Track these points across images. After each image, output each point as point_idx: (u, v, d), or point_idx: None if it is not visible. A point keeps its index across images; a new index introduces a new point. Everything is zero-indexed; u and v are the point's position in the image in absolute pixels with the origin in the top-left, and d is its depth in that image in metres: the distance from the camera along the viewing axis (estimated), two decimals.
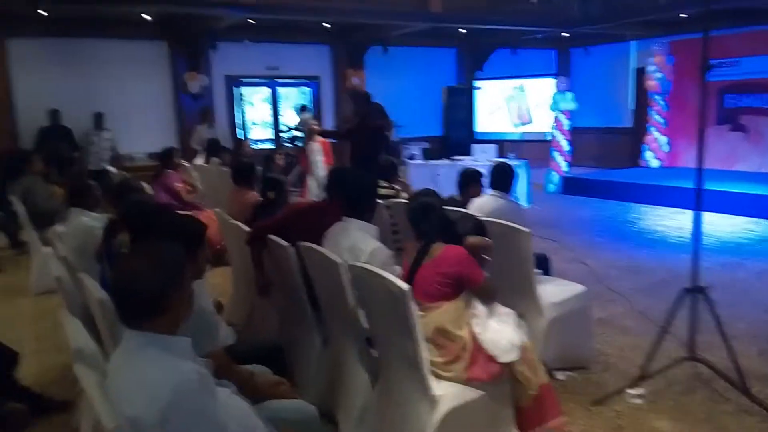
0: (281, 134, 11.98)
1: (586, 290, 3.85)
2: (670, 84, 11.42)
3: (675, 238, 7.23)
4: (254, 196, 4.85)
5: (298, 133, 10.86)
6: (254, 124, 12.47)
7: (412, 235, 2.98)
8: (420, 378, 2.55)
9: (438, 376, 2.62)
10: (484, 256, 2.94)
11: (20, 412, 3.20)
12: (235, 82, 11.50)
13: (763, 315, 4.62)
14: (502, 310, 2.86)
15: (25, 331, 4.56)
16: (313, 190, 9.78)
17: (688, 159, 11.11)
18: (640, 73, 12.23)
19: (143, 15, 9.35)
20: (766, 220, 7.88)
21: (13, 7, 8.41)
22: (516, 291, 3.47)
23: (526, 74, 12.31)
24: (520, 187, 9.31)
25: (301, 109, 11.28)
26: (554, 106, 10.68)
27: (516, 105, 12.31)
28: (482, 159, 9.25)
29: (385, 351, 2.84)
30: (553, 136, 10.89)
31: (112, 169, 7.75)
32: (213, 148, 8.54)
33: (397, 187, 5.16)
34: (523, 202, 9.32)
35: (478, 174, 4.60)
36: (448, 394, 2.55)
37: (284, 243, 3.24)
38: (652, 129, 11.70)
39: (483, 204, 4.27)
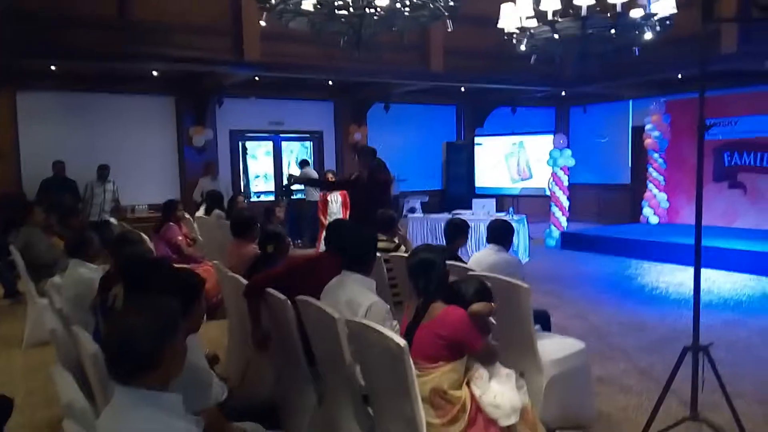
0: (284, 186, 12.08)
1: (586, 347, 3.81)
2: (667, 142, 11.59)
3: (675, 294, 7.18)
4: (253, 248, 4.85)
5: (299, 186, 10.92)
6: (257, 177, 12.61)
7: (412, 290, 2.95)
8: None
9: None
10: (491, 319, 2.88)
11: None
12: (239, 136, 11.69)
13: (766, 373, 4.55)
14: (503, 371, 2.79)
15: (16, 384, 4.49)
16: None
17: (687, 215, 11.17)
18: (638, 130, 12.42)
19: (152, 71, 9.58)
20: (766, 277, 7.85)
21: (24, 62, 8.63)
22: (516, 348, 3.43)
23: (526, 131, 12.51)
24: (520, 241, 9.34)
25: (302, 164, 11.40)
26: (552, 163, 10.80)
27: (515, 161, 12.45)
28: (482, 213, 9.31)
29: (381, 409, 2.78)
30: (552, 192, 10.98)
31: (113, 220, 7.78)
32: (214, 201, 8.59)
33: (396, 240, 5.16)
34: (522, 256, 9.32)
35: (465, 225, 4.64)
36: None
37: (281, 296, 3.22)
38: (651, 186, 11.80)
39: (482, 257, 4.28)
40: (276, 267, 3.84)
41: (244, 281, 3.72)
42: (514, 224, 9.04)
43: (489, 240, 4.43)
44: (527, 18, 5.65)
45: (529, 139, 12.19)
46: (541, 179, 11.70)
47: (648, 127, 11.67)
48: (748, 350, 5.09)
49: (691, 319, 3.40)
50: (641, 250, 9.57)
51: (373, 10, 4.64)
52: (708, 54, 7.26)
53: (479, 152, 13.01)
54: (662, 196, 11.72)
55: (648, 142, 11.71)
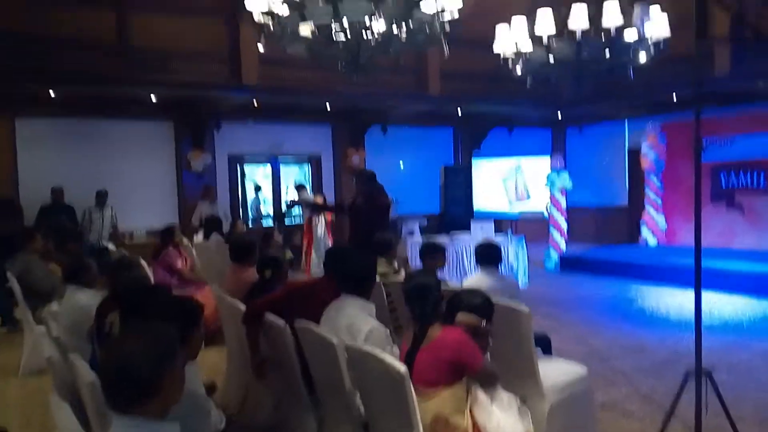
0: (284, 210, 12.09)
1: (588, 372, 3.77)
2: (664, 163, 11.64)
3: (675, 316, 7.15)
4: (252, 273, 4.83)
5: (295, 209, 10.95)
6: (256, 201, 12.62)
7: (409, 316, 2.94)
8: None
9: None
10: (489, 338, 2.87)
11: None
12: (237, 160, 11.73)
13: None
14: (504, 395, 2.77)
15: (12, 414, 4.44)
16: (315, 265, 9.80)
17: (685, 237, 11.16)
18: (635, 151, 12.48)
19: (150, 96, 9.65)
20: (766, 299, 7.82)
21: (22, 89, 8.67)
22: (517, 373, 3.40)
23: (523, 153, 12.56)
24: (519, 264, 9.32)
25: (299, 188, 11.33)
26: (550, 185, 10.83)
27: (513, 183, 12.49)
28: (480, 236, 9.29)
29: None
30: (551, 215, 10.99)
31: (111, 246, 7.75)
32: (212, 225, 8.59)
33: (395, 265, 5.15)
34: (522, 279, 9.29)
35: (439, 247, 4.78)
36: None
37: (280, 321, 3.20)
38: (649, 207, 11.82)
39: (477, 282, 4.25)
40: (275, 292, 3.82)
41: (243, 306, 3.70)
42: (512, 246, 9.16)
43: (480, 263, 4.43)
44: (523, 41, 5.71)
45: (526, 161, 12.24)
46: (539, 201, 11.73)
47: (644, 148, 11.72)
48: (749, 373, 5.06)
49: (692, 341, 3.38)
50: (640, 273, 9.55)
51: (370, 36, 4.69)
52: (702, 74, 7.33)
53: (477, 174, 13.06)
54: (660, 218, 11.73)
55: (645, 163, 11.75)
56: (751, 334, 6.33)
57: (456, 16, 4.71)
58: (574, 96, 11.21)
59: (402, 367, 2.40)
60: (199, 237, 8.71)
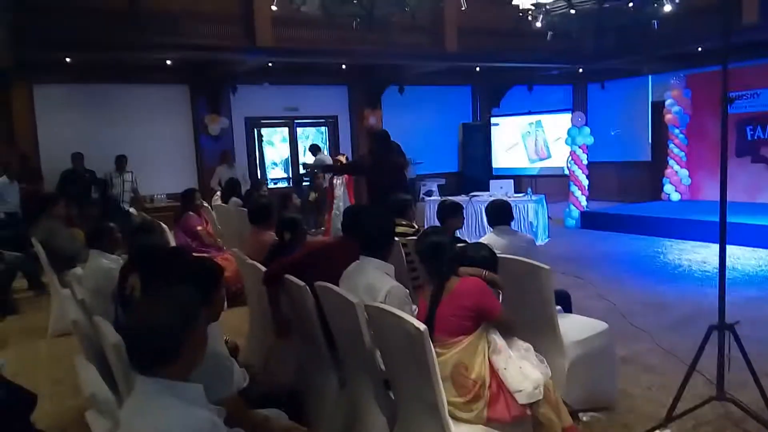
0: (300, 175, 12.05)
1: (608, 328, 3.76)
2: (688, 117, 11.37)
3: (699, 272, 7.08)
4: (271, 236, 4.85)
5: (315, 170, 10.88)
6: (274, 164, 12.62)
7: (425, 273, 2.95)
8: (439, 422, 2.48)
9: (457, 418, 2.55)
10: (499, 286, 2.96)
11: None
12: (254, 123, 11.70)
13: None
14: (521, 344, 2.81)
15: (42, 374, 4.56)
16: (337, 224, 9.82)
17: (709, 192, 10.97)
18: (658, 106, 12.21)
19: (165, 61, 9.60)
20: None
21: (40, 55, 8.69)
22: (537, 330, 3.39)
23: (543, 110, 12.35)
24: (539, 221, 9.26)
25: (314, 149, 11.16)
26: (571, 141, 10.66)
27: (533, 140, 12.32)
28: (500, 194, 9.23)
29: (402, 393, 2.78)
30: (572, 171, 10.85)
31: (132, 210, 7.83)
32: (231, 189, 8.61)
33: (415, 225, 5.13)
34: (541, 236, 9.24)
35: (457, 206, 4.63)
36: None
37: (300, 283, 3.22)
38: (672, 162, 11.61)
39: (491, 241, 4.18)
40: (294, 254, 3.84)
41: (263, 269, 3.72)
42: (532, 204, 9.09)
43: (492, 223, 4.39)
44: None
45: (546, 118, 12.05)
46: (559, 159, 11.58)
47: (668, 102, 11.46)
48: None
49: (715, 297, 3.33)
50: (663, 228, 9.43)
51: None
52: (729, 26, 7.09)
53: (496, 133, 12.89)
54: (684, 173, 11.53)
55: (668, 117, 11.50)
56: None
57: None
58: (595, 50, 10.94)
59: (421, 326, 2.40)
60: (216, 200, 8.76)
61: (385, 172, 6.31)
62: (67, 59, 9.01)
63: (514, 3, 5.77)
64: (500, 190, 9.73)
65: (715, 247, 3.44)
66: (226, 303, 4.83)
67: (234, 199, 8.19)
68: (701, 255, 7.86)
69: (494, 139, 12.87)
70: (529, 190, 10.10)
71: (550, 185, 12.03)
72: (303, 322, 3.36)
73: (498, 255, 3.28)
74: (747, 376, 3.20)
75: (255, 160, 11.81)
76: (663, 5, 5.38)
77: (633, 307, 5.67)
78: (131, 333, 1.69)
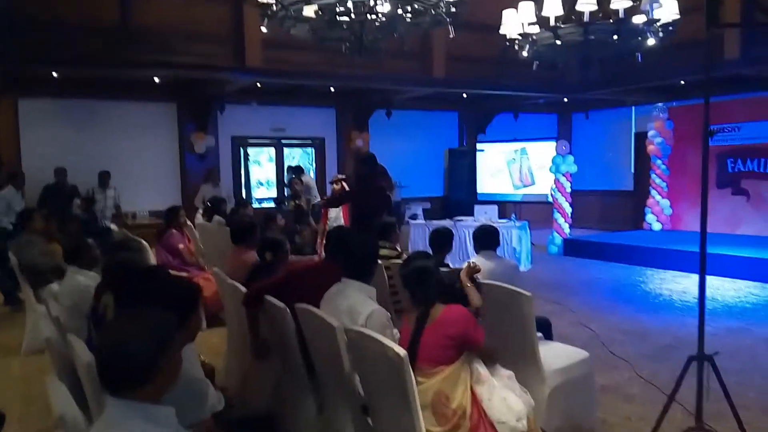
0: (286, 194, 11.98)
1: (589, 356, 3.76)
2: (670, 148, 11.55)
3: (679, 302, 7.13)
4: (253, 256, 4.81)
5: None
6: (260, 183, 12.59)
7: (409, 299, 2.92)
8: None
9: None
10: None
11: None
12: (241, 142, 11.68)
13: None
14: (503, 372, 2.79)
15: (12, 393, 4.46)
16: None
17: (690, 222, 11.11)
18: (641, 137, 12.38)
19: (153, 78, 9.58)
20: None
21: (26, 69, 8.63)
22: (518, 357, 3.38)
23: (528, 138, 12.47)
24: (522, 247, 9.30)
25: (295, 171, 10.69)
26: (555, 169, 10.76)
27: (518, 167, 12.41)
28: (484, 219, 9.27)
29: (381, 420, 2.74)
30: (555, 198, 10.94)
31: (114, 227, 7.75)
32: (216, 206, 8.56)
33: (398, 248, 5.12)
34: (524, 263, 9.27)
35: (450, 233, 4.61)
36: None
37: (280, 304, 3.18)
38: (654, 192, 11.75)
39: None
40: (275, 275, 3.81)
41: (243, 289, 3.68)
42: (516, 230, 9.13)
43: (478, 248, 4.37)
44: (529, 24, 5.63)
45: (531, 146, 12.16)
46: (543, 186, 11.67)
47: (651, 133, 11.63)
48: (752, 359, 5.03)
49: (695, 327, 3.35)
50: (644, 257, 9.51)
51: (374, 17, 4.62)
52: (711, 60, 7.24)
53: (481, 158, 12.98)
54: (665, 203, 11.67)
55: (651, 148, 11.67)
56: (755, 320, 6.30)
57: None
58: (580, 81, 11.10)
59: (402, 351, 2.38)
60: (198, 218, 8.70)
61: (370, 195, 6.32)
62: (54, 74, 8.96)
63: (501, 32, 5.84)
64: (484, 215, 9.76)
65: (696, 278, 3.47)
66: (204, 323, 4.76)
67: (217, 217, 8.14)
68: (682, 285, 7.92)
69: (479, 164, 12.96)
70: (513, 216, 10.15)
71: (533, 212, 12.11)
72: (282, 345, 3.32)
73: (482, 281, 3.29)
74: (725, 407, 3.21)
75: (240, 179, 11.77)
76: (647, 39, 5.46)
77: (614, 335, 5.69)
78: (101, 355, 1.64)
